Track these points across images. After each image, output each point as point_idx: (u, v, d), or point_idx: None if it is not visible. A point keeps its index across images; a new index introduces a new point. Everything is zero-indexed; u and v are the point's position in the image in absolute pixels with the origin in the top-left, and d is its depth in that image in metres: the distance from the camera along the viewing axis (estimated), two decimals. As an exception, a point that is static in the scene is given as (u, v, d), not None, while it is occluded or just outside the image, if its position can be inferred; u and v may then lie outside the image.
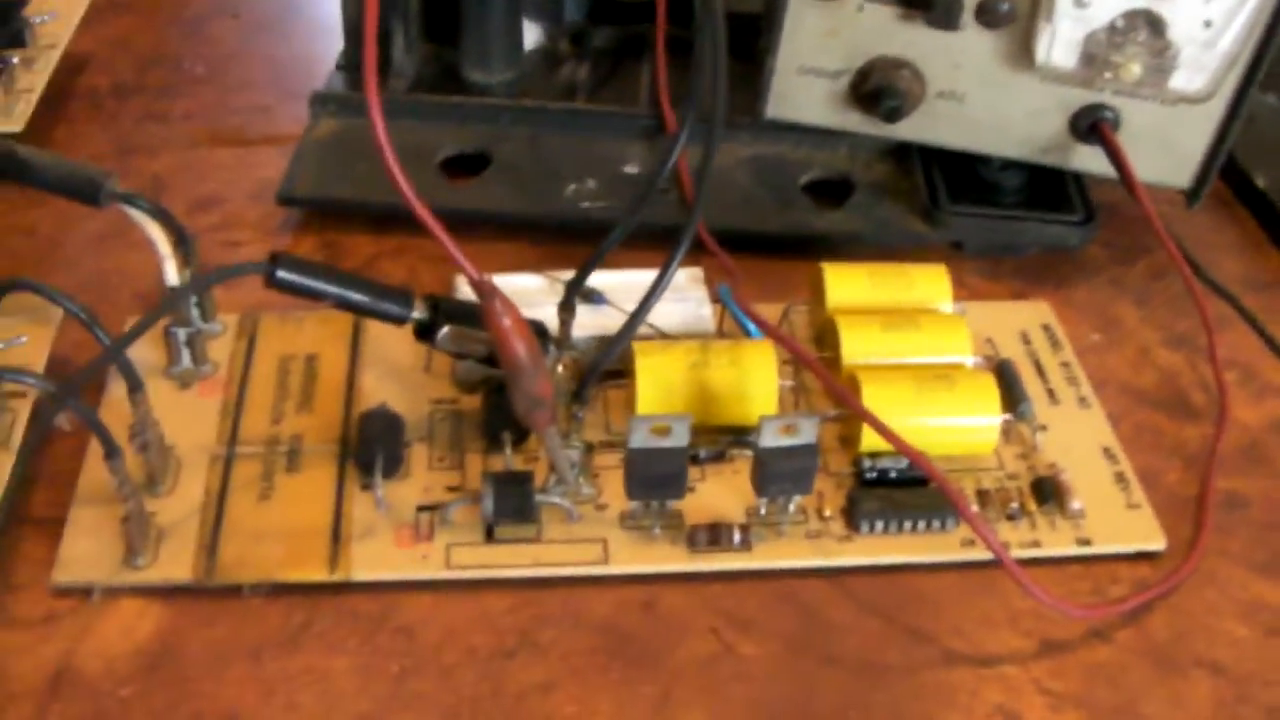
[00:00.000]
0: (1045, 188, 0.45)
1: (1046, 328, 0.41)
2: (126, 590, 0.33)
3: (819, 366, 0.34)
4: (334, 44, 0.51)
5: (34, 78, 0.48)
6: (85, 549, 0.33)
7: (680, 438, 0.33)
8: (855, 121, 0.44)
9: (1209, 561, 0.35)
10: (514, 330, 0.31)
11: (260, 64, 0.54)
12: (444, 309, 0.34)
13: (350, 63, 0.49)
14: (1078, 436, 0.38)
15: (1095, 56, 0.41)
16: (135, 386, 0.33)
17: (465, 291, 0.38)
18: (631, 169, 0.46)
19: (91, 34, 0.54)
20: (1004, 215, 0.44)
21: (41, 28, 0.50)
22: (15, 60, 0.47)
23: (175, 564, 0.33)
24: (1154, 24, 0.41)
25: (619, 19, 0.53)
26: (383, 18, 0.46)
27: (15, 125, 0.46)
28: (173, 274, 0.36)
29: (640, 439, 0.33)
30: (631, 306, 0.38)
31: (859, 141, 0.47)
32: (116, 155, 0.48)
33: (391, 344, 0.39)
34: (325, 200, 0.45)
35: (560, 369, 0.37)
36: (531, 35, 0.51)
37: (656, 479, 0.33)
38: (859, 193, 0.46)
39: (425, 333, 0.34)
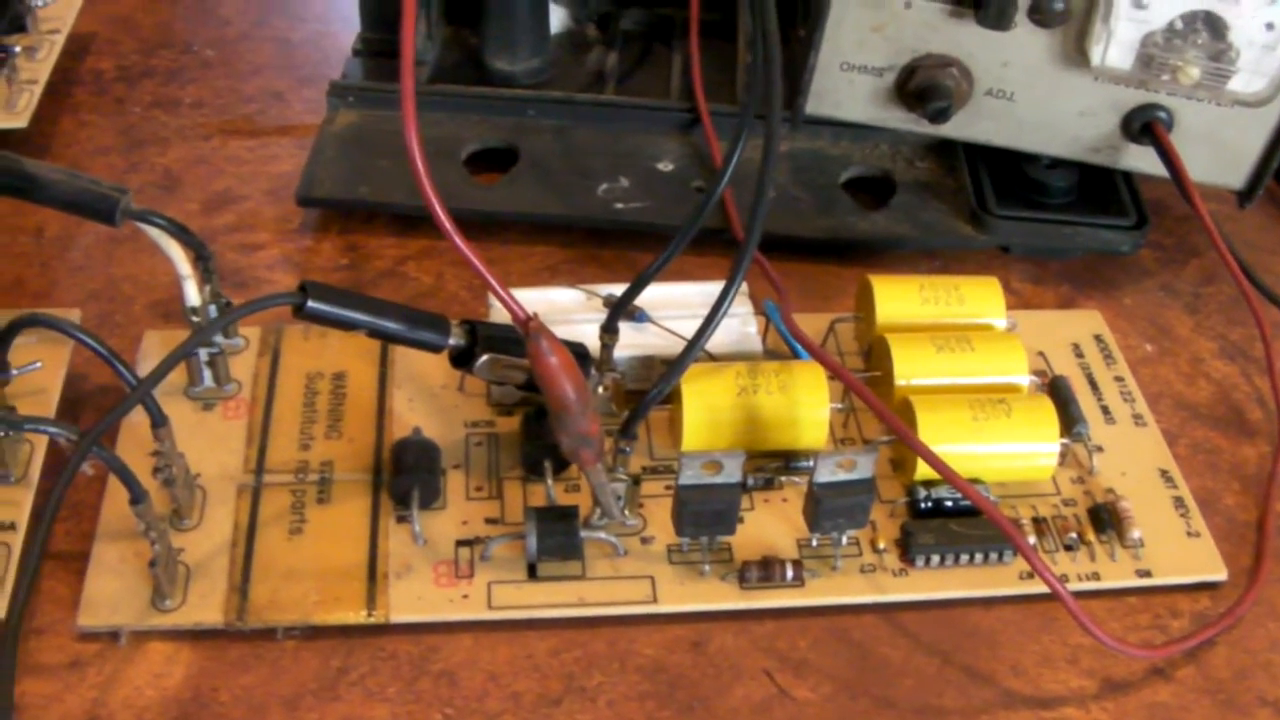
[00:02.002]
0: (1095, 188, 0.44)
1: (1098, 338, 0.40)
2: (155, 634, 0.31)
3: (874, 399, 0.33)
4: (349, 24, 0.49)
5: (37, 68, 0.46)
6: (110, 589, 0.31)
7: (732, 474, 0.31)
8: (899, 119, 0.42)
9: (1270, 591, 0.34)
10: (561, 370, 0.29)
11: (272, 46, 0.52)
12: (482, 334, 0.33)
13: (369, 49, 0.47)
14: (1134, 458, 0.36)
15: (1152, 58, 0.39)
16: (160, 422, 0.31)
17: (501, 309, 0.36)
18: (665, 166, 0.44)
19: (93, 11, 0.52)
20: (1054, 219, 0.43)
21: (43, 10, 0.48)
22: (18, 50, 0.44)
23: (205, 606, 0.31)
24: (1214, 26, 0.39)
25: (647, 0, 0.51)
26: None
27: (19, 121, 0.44)
28: (193, 294, 0.34)
29: (691, 476, 0.31)
30: (671, 322, 0.36)
31: (900, 137, 0.45)
32: (125, 149, 0.46)
33: (423, 361, 0.37)
34: (346, 201, 0.43)
35: (601, 390, 0.35)
36: (556, 19, 0.49)
37: (707, 516, 0.32)
38: (901, 192, 0.44)
39: (462, 360, 0.33)
